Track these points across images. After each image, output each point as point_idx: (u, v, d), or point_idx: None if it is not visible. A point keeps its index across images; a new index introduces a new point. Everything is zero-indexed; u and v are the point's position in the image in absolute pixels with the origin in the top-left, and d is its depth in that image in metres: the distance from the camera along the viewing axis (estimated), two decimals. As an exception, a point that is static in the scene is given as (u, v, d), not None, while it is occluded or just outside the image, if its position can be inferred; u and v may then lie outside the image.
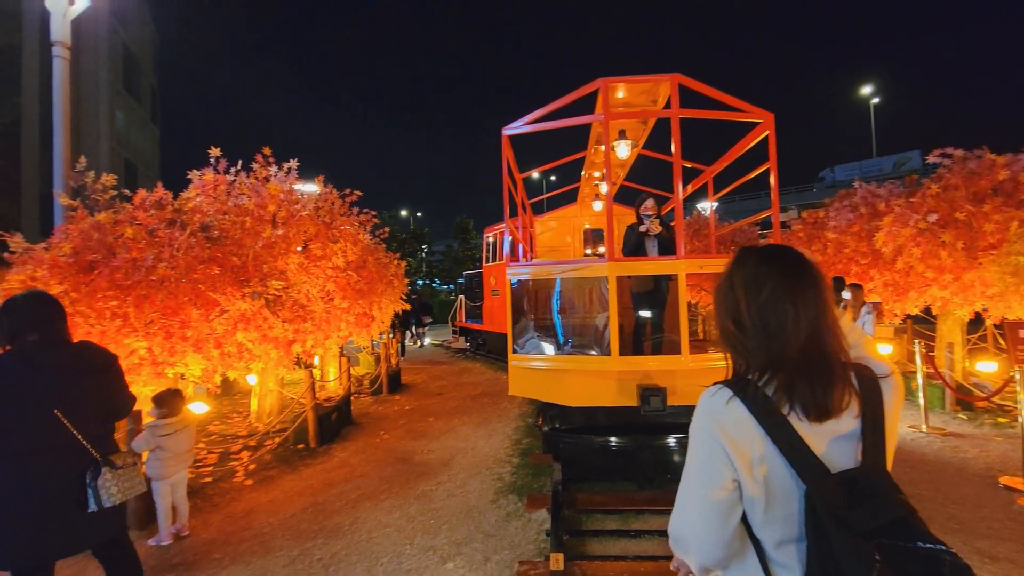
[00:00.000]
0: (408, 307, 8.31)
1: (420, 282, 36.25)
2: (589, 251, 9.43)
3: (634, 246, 4.50)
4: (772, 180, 4.09)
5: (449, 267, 38.43)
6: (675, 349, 3.90)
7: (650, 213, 4.53)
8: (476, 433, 5.99)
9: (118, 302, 3.91)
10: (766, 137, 4.06)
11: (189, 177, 5.16)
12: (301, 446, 5.50)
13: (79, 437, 2.11)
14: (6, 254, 3.90)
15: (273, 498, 4.21)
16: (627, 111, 4.75)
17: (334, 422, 6.07)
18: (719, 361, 3.44)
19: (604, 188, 7.22)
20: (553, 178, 30.01)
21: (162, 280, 4.04)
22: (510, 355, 4.14)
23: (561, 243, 9.60)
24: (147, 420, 3.60)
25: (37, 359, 2.06)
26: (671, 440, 3.91)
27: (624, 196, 8.65)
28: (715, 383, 1.00)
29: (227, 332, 4.56)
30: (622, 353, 3.80)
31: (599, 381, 3.89)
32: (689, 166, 6.07)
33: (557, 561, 2.75)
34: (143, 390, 4.06)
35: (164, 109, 33.93)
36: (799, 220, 9.63)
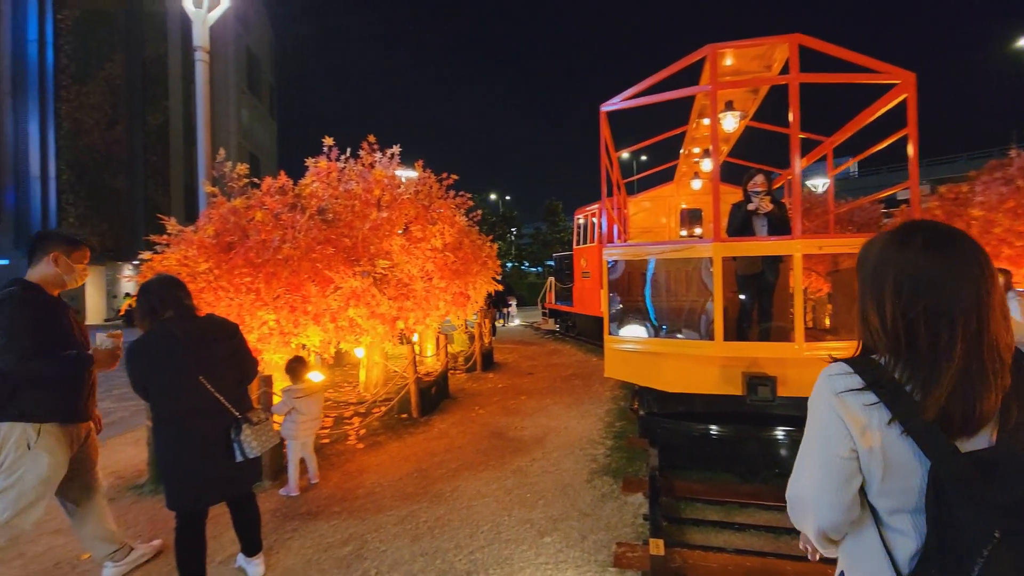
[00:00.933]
0: (501, 288, 8.48)
1: (508, 265, 36.84)
2: (684, 232, 9.01)
3: (740, 225, 4.23)
4: (911, 150, 3.63)
5: (538, 250, 38.63)
6: (787, 336, 3.64)
7: (760, 190, 4.22)
8: (568, 413, 6.03)
9: (251, 278, 4.39)
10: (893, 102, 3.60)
11: (306, 164, 5.63)
12: (404, 416, 5.87)
13: (221, 400, 2.42)
14: (166, 236, 4.52)
15: (381, 461, 4.55)
16: (737, 79, 4.43)
17: (433, 395, 6.41)
18: (838, 351, 3.15)
19: (706, 165, 6.84)
20: (644, 158, 28.92)
21: (287, 259, 4.47)
22: (606, 337, 4.09)
23: (655, 224, 9.26)
24: (281, 386, 4.07)
25: (176, 332, 2.36)
26: (780, 433, 3.67)
27: (727, 173, 8.12)
28: (838, 360, 0.98)
29: (340, 308, 4.95)
30: (727, 339, 3.61)
31: (701, 367, 3.74)
32: (804, 137, 5.55)
33: (657, 547, 2.71)
34: (273, 357, 4.56)
35: (280, 105, 37.12)
36: (936, 196, 8.50)
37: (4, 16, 20.38)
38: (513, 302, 18.57)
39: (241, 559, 2.84)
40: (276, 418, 3.83)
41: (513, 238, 40.83)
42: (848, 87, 3.83)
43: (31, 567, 2.95)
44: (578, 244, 11.52)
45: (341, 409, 6.02)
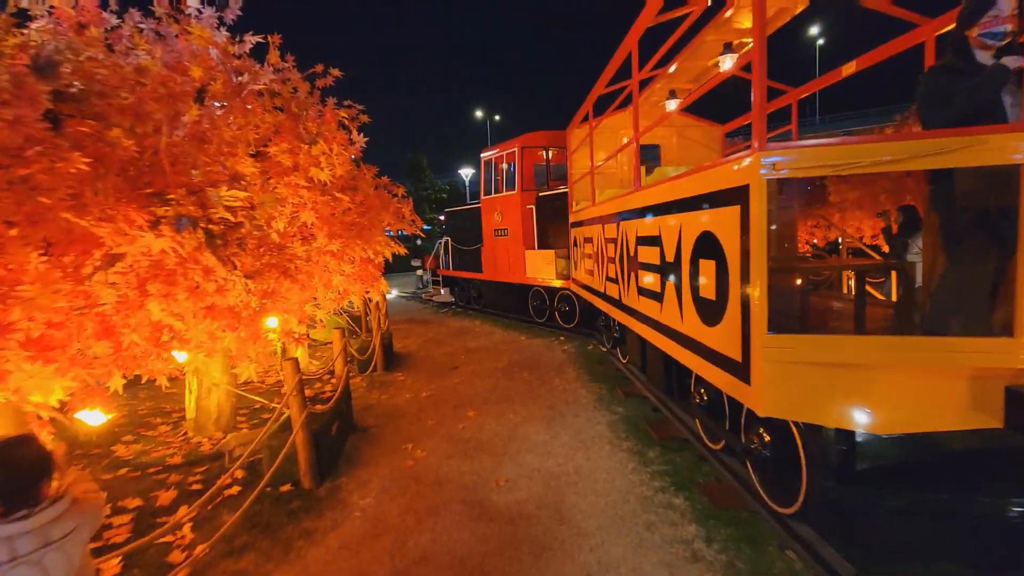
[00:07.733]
0: (405, 251, 5.89)
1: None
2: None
3: (970, 105, 2.17)
4: None
5: (398, 210, 35.06)
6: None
7: (1009, 30, 2.10)
8: (555, 439, 3.93)
9: None
10: None
11: (22, 7, 2.45)
12: (287, 488, 3.20)
13: None
14: None
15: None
16: None
17: (335, 436, 3.76)
18: None
19: (671, 105, 5.03)
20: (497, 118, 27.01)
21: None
22: (761, 336, 2.03)
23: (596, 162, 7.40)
24: None
25: None
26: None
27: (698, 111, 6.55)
28: None
29: (125, 302, 2.15)
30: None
31: (949, 384, 1.91)
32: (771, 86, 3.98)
33: None
34: None
35: None
36: None
37: None
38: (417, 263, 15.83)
39: None
40: None
41: (367, 198, 36.51)
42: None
43: None
44: (488, 194, 9.19)
45: (147, 481, 3.13)
